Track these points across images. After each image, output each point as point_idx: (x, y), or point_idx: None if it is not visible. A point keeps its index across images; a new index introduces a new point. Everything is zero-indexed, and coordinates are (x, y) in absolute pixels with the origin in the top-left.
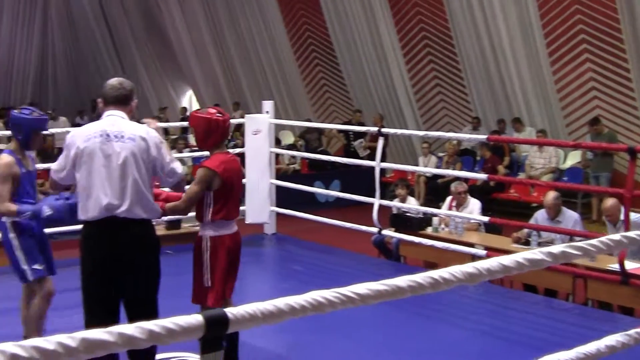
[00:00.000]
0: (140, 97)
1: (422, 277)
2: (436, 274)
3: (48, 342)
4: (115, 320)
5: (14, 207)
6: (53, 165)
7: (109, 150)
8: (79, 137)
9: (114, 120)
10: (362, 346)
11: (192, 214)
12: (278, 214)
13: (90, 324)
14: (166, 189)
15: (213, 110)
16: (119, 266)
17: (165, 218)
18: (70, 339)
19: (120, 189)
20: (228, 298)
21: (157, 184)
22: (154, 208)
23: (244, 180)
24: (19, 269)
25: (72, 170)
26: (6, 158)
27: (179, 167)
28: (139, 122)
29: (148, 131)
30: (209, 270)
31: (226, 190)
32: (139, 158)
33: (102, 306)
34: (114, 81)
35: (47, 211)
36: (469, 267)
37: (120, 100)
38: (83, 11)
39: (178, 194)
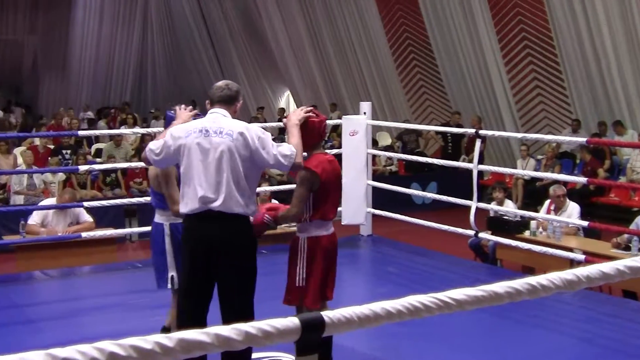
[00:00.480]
0: None
1: (519, 284)
2: (534, 280)
3: (145, 341)
4: (204, 314)
5: None
6: (151, 144)
7: (206, 145)
8: (181, 132)
9: (215, 117)
10: (458, 352)
11: None
12: (374, 216)
13: (181, 314)
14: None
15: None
16: (214, 260)
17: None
18: (167, 338)
19: (216, 183)
20: (329, 300)
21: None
22: (251, 204)
23: None
24: (164, 274)
25: (167, 160)
26: None
27: (287, 149)
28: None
29: (247, 126)
30: (304, 270)
31: (324, 191)
32: (236, 153)
33: (194, 297)
34: (220, 83)
35: None
36: (568, 274)
37: (225, 100)
38: (182, 12)
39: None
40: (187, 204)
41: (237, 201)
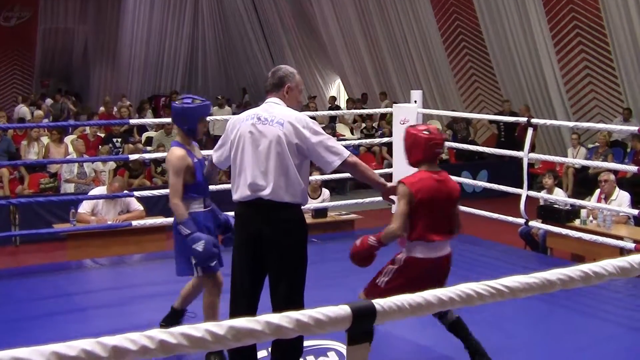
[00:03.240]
0: None
1: (572, 271)
2: (587, 267)
3: (196, 329)
4: (255, 302)
5: (183, 211)
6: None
7: (257, 133)
8: (235, 121)
9: (268, 106)
10: (510, 339)
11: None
12: None
13: (232, 303)
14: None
15: (422, 127)
16: (264, 249)
17: (311, 206)
18: (218, 326)
19: (265, 171)
20: None
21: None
22: (301, 193)
23: (390, 170)
24: (186, 262)
25: (229, 152)
26: (178, 151)
27: (340, 148)
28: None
29: (298, 116)
30: (390, 276)
31: (423, 210)
32: (285, 142)
33: (245, 285)
34: (270, 71)
35: (198, 247)
36: (621, 261)
37: (271, 89)
38: (233, 0)
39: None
40: (237, 191)
41: (286, 190)
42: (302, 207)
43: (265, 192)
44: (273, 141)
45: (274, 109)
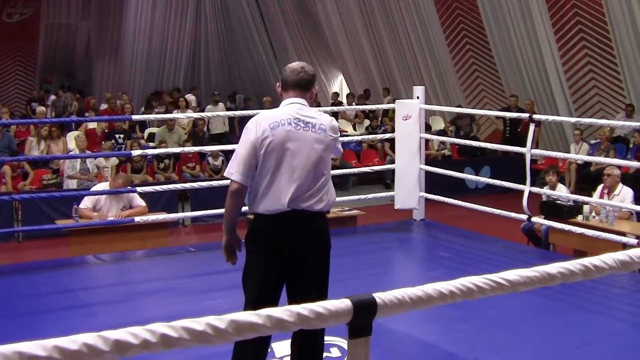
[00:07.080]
0: None
1: (573, 265)
2: (587, 261)
3: (197, 323)
4: None
5: None
6: (229, 169)
7: (300, 140)
8: (265, 122)
9: (299, 107)
10: (511, 335)
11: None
12: (427, 200)
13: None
14: None
15: None
16: (293, 259)
17: None
18: (219, 320)
19: (310, 181)
20: None
21: None
22: (331, 201)
23: (393, 166)
24: None
25: (254, 159)
26: None
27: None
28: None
29: (332, 121)
30: None
31: None
32: (322, 149)
33: (269, 301)
34: (295, 65)
35: None
36: (621, 255)
37: (301, 85)
38: None
39: None
40: (266, 203)
41: (323, 199)
42: None
43: (306, 204)
44: (317, 149)
45: (309, 111)
